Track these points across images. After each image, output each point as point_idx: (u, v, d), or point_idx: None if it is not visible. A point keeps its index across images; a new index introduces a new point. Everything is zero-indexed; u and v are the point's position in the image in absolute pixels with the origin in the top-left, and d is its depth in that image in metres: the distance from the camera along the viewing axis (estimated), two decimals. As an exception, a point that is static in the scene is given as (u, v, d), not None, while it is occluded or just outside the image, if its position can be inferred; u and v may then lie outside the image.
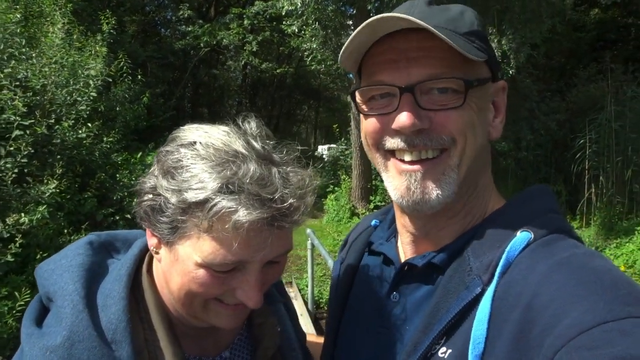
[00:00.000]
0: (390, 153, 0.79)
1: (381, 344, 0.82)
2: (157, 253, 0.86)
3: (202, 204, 0.75)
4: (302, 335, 1.11)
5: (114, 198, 7.10)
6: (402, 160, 0.77)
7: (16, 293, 4.59)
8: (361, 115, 0.84)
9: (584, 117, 10.02)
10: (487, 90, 0.78)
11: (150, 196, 0.81)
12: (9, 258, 4.73)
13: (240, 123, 0.88)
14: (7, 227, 4.83)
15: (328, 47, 12.17)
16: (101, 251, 0.90)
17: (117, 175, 7.46)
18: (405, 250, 0.86)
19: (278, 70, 18.91)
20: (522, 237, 0.69)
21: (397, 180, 0.78)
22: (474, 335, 0.64)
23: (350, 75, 18.39)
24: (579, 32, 14.04)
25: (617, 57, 12.62)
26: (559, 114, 11.54)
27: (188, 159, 0.80)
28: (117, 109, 8.77)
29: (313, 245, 6.88)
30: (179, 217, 0.78)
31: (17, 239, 4.74)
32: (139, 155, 8.58)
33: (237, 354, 0.96)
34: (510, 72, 9.62)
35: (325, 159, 17.57)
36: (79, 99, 6.58)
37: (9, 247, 4.75)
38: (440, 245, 0.79)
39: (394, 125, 0.74)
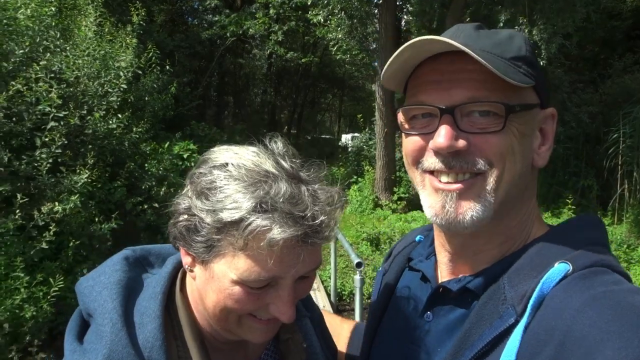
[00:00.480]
0: (429, 172, 0.79)
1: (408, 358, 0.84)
2: (191, 271, 0.88)
3: (237, 223, 0.78)
4: (332, 349, 1.12)
5: (143, 187, 7.25)
6: (440, 180, 0.77)
7: (51, 279, 4.75)
8: (402, 134, 0.84)
9: (618, 110, 9.73)
10: (533, 116, 0.77)
11: (185, 217, 0.84)
12: (44, 245, 4.88)
13: (268, 143, 0.90)
14: (42, 215, 4.99)
15: (354, 37, 12.08)
16: (137, 266, 0.93)
17: (146, 164, 7.61)
18: (441, 270, 0.86)
19: (303, 60, 18.84)
20: (559, 268, 0.67)
21: (432, 198, 0.78)
22: None
23: (375, 64, 18.23)
24: (614, 21, 13.58)
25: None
26: (591, 106, 11.24)
27: (221, 180, 0.82)
28: (146, 98, 8.90)
29: (336, 239, 6.90)
30: (214, 236, 0.80)
31: (51, 227, 4.88)
32: (166, 145, 8.72)
33: None
34: (541, 62, 9.37)
35: (349, 149, 17.51)
36: (110, 90, 6.70)
37: (44, 234, 4.90)
38: (476, 269, 0.79)
39: (431, 146, 0.76)
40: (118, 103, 6.77)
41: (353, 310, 7.11)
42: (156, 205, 7.33)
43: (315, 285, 7.69)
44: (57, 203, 5.12)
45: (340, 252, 7.79)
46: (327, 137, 38.10)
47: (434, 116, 0.75)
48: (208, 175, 0.84)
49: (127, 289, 0.87)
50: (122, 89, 6.76)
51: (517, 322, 0.66)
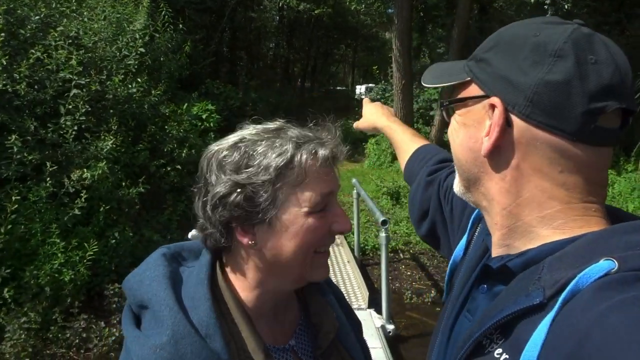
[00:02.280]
0: None
1: (463, 328, 0.87)
2: (254, 244, 0.92)
3: (290, 162, 0.88)
4: (356, 323, 1.18)
5: (165, 150, 7.33)
6: None
7: (85, 244, 4.92)
8: None
9: (645, 54, 9.40)
10: (476, 107, 0.83)
11: (235, 194, 0.88)
12: (76, 211, 5.03)
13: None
14: (71, 182, 5.10)
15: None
16: (174, 261, 1.00)
17: (166, 127, 7.65)
18: (493, 246, 0.86)
19: (316, 12, 18.38)
20: (603, 265, 0.62)
21: None
22: (524, 356, 0.63)
23: (390, 11, 17.67)
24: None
25: (684, -17, 11.58)
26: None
27: (249, 147, 0.90)
28: (161, 59, 8.84)
29: (359, 195, 6.96)
30: (275, 186, 0.88)
31: (82, 194, 5.00)
32: (185, 107, 8.73)
33: (301, 340, 1.04)
34: (566, 6, 9.04)
35: (366, 102, 17.32)
36: (127, 53, 6.67)
37: (75, 201, 5.04)
38: (520, 248, 0.77)
39: None
40: (136, 66, 6.75)
41: (376, 264, 7.28)
42: (179, 167, 7.44)
43: (338, 241, 7.83)
44: (85, 170, 5.22)
45: (361, 207, 7.86)
46: (341, 88, 37.61)
47: None
48: (234, 153, 0.90)
49: (172, 280, 0.93)
50: (139, 52, 6.71)
51: (542, 305, 0.64)
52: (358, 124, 1.66)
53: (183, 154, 7.44)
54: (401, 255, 7.74)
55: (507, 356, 0.68)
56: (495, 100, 0.75)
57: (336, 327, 1.05)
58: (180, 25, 9.55)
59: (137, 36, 6.69)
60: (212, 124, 9.36)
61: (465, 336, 0.76)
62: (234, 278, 0.98)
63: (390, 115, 1.61)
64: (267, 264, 0.94)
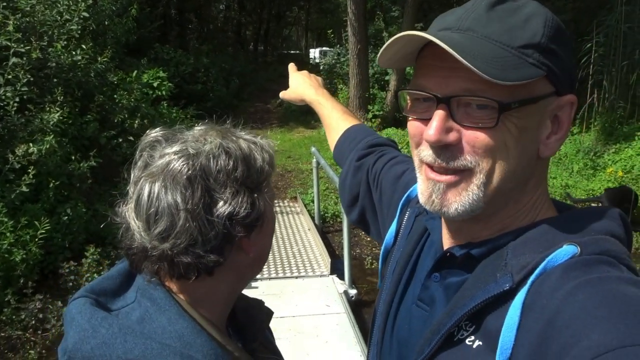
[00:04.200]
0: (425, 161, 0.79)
1: (415, 318, 0.85)
2: (255, 252, 0.88)
3: (271, 161, 0.90)
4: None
5: (115, 120, 7.03)
6: (432, 169, 0.76)
7: (36, 222, 4.71)
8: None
9: (591, 18, 9.66)
10: (542, 107, 0.72)
11: (250, 202, 0.82)
12: (24, 188, 4.78)
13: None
14: (17, 157, 4.83)
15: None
16: (100, 306, 0.82)
17: (115, 96, 7.32)
18: (445, 236, 0.85)
19: (268, -28, 17.79)
20: (567, 249, 0.65)
21: (423, 185, 0.78)
22: (502, 340, 0.64)
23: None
24: None
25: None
26: (564, 14, 11.11)
27: (236, 150, 0.85)
28: (106, 23, 8.37)
29: (318, 163, 6.95)
30: (266, 186, 0.89)
31: (29, 170, 4.75)
32: (134, 74, 8.35)
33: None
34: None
35: (321, 67, 17.10)
36: (68, 17, 6.26)
37: (23, 177, 4.78)
38: (481, 238, 0.77)
39: (423, 136, 0.74)
40: (79, 32, 6.36)
41: (337, 231, 7.35)
42: (131, 138, 7.16)
43: (298, 209, 7.85)
44: (31, 144, 4.94)
45: (320, 175, 7.87)
46: (295, 52, 37.00)
47: (434, 102, 0.73)
48: (233, 161, 0.82)
49: (135, 328, 0.79)
50: (82, 16, 6.31)
51: (511, 290, 0.65)
52: (284, 94, 1.55)
53: (135, 124, 7.17)
54: (360, 220, 7.83)
55: (480, 343, 0.68)
56: (574, 97, 0.73)
57: (271, 314, 1.05)
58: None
59: (79, -1, 6.28)
60: (164, 92, 9.03)
61: (434, 327, 0.75)
62: (199, 296, 0.86)
63: (319, 86, 1.49)
64: (248, 269, 0.91)
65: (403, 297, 0.91)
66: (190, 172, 0.77)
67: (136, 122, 7.15)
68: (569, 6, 11.45)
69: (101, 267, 4.89)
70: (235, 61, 19.03)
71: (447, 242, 0.84)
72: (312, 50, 30.39)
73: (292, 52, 37.50)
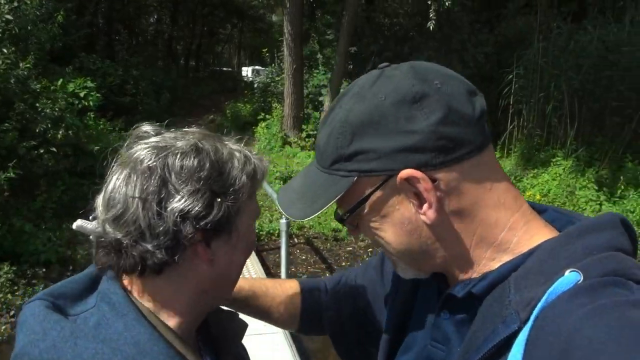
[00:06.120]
0: None
1: (431, 358, 0.84)
2: (212, 261, 0.82)
3: (255, 172, 0.85)
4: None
5: (37, 130, 6.58)
6: None
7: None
8: None
9: (512, 51, 10.40)
10: (382, 195, 0.74)
11: (208, 205, 0.78)
12: None
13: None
14: None
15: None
16: (58, 311, 0.78)
17: (38, 104, 6.86)
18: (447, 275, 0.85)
19: (203, -13, 17.62)
20: (569, 278, 0.62)
21: None
22: None
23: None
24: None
25: (542, -10, 12.95)
26: (487, 47, 11.88)
27: (212, 152, 0.82)
28: (30, 28, 7.87)
29: (255, 179, 6.86)
30: (241, 196, 0.82)
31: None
32: (59, 83, 7.89)
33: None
34: (447, 4, 9.66)
35: (255, 85, 17.08)
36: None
37: None
38: (479, 272, 0.76)
39: None
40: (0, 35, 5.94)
41: (271, 249, 7.27)
42: (54, 149, 6.74)
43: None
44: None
45: (255, 193, 7.78)
46: (227, 69, 36.72)
47: None
48: (202, 160, 0.80)
49: (90, 334, 0.76)
50: (4, 19, 5.90)
51: (519, 329, 0.64)
52: None
53: (59, 135, 6.75)
54: (295, 239, 7.82)
55: None
56: (408, 172, 0.70)
57: (245, 326, 1.00)
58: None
59: (2, 1, 5.87)
60: (91, 103, 8.60)
61: None
62: (158, 302, 0.83)
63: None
64: (211, 282, 0.85)
65: (410, 338, 0.90)
66: (151, 162, 0.77)
67: (60, 132, 6.74)
68: (492, 40, 12.27)
69: (16, 287, 4.50)
70: (166, 75, 18.59)
71: (451, 280, 0.82)
72: (244, 69, 30.33)
73: (224, 69, 37.18)
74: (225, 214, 0.79)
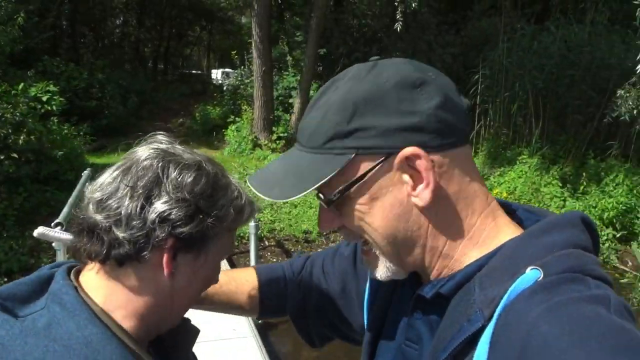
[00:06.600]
0: None
1: (406, 357, 0.86)
2: (172, 274, 0.82)
3: (242, 209, 0.87)
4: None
5: (-4, 136, 6.38)
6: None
7: None
8: None
9: (477, 52, 10.59)
10: (376, 177, 0.73)
11: (190, 218, 0.80)
12: None
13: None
14: None
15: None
16: (6, 312, 0.77)
17: (-3, 109, 6.66)
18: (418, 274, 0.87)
19: (170, -11, 17.39)
20: (530, 275, 0.65)
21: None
22: None
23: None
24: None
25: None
26: (453, 47, 12.07)
27: (212, 175, 0.85)
28: (-13, 30, 7.65)
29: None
30: (222, 225, 0.83)
31: None
32: (20, 87, 7.66)
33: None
34: (413, 5, 9.76)
35: (225, 88, 16.92)
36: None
37: None
38: (447, 273, 0.78)
39: None
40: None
41: (242, 253, 7.20)
42: (15, 155, 6.54)
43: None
44: None
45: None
46: (197, 72, 36.30)
47: None
48: (201, 177, 0.83)
49: (40, 335, 0.75)
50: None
51: (484, 327, 0.66)
52: None
53: (20, 141, 6.56)
54: (266, 242, 7.77)
55: None
56: (411, 149, 0.70)
57: (197, 332, 1.00)
58: (11, -7, 8.34)
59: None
60: (54, 108, 8.37)
61: None
62: (113, 302, 0.82)
63: None
64: (164, 298, 0.84)
65: (387, 337, 0.92)
66: (150, 161, 0.80)
67: (21, 137, 6.55)
68: (458, 41, 12.48)
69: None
70: (134, 78, 18.21)
71: (424, 276, 0.84)
72: (214, 71, 30.03)
73: (193, 71, 36.74)
74: (202, 231, 0.81)
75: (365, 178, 0.73)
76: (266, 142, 12.64)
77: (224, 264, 5.98)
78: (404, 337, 0.86)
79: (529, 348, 0.58)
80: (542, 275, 0.64)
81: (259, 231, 7.75)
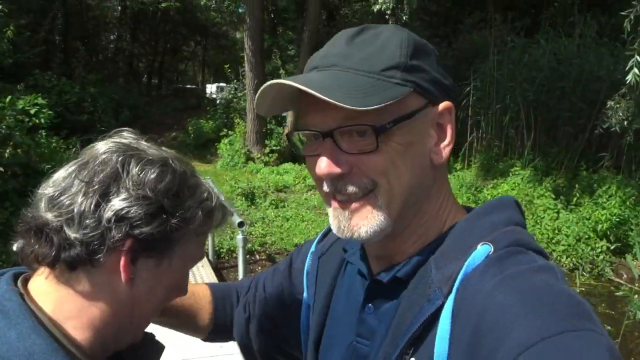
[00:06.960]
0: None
1: (358, 355, 0.84)
2: (131, 280, 0.76)
3: (212, 211, 0.82)
4: None
5: (-18, 149, 6.29)
6: (336, 199, 0.79)
7: None
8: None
9: (468, 65, 10.64)
10: (420, 119, 0.75)
11: (151, 217, 0.73)
12: None
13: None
14: None
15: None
16: None
17: (-17, 122, 6.58)
18: (372, 262, 0.86)
19: (163, 5, 17.47)
20: (482, 250, 0.70)
21: (331, 215, 0.80)
22: (437, 351, 0.66)
23: (240, 10, 17.53)
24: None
25: (497, 5, 13.35)
26: (445, 60, 12.12)
27: (180, 174, 0.79)
28: (-24, 43, 7.60)
29: (214, 196, 6.75)
30: (189, 227, 0.78)
31: None
32: (8, 100, 7.59)
33: None
34: (404, 18, 9.82)
35: (218, 101, 16.93)
36: None
37: None
38: (404, 257, 0.80)
39: (316, 172, 0.76)
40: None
41: (232, 267, 7.11)
42: (1, 169, 6.45)
43: (191, 245, 7.49)
44: None
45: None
46: (191, 87, 36.41)
47: (320, 137, 0.75)
48: (165, 174, 0.77)
49: None
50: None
51: (444, 304, 0.68)
52: None
53: (6, 154, 6.46)
54: (257, 256, 7.70)
55: None
56: (450, 103, 0.77)
57: (162, 349, 0.93)
58: (1, 6, 8.30)
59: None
60: (42, 121, 8.30)
61: None
62: (64, 311, 0.75)
63: None
64: (122, 308, 0.77)
65: (334, 336, 0.91)
66: (109, 155, 0.75)
67: (7, 151, 6.46)
68: (450, 54, 12.56)
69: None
70: (127, 93, 18.24)
71: (375, 270, 0.85)
72: (208, 86, 30.13)
73: (188, 86, 36.85)
74: (164, 232, 0.74)
75: (415, 116, 0.74)
76: (259, 155, 12.63)
77: (214, 278, 5.89)
78: (354, 334, 0.85)
79: (487, 317, 0.62)
80: (492, 250, 0.69)
81: (250, 244, 7.69)
